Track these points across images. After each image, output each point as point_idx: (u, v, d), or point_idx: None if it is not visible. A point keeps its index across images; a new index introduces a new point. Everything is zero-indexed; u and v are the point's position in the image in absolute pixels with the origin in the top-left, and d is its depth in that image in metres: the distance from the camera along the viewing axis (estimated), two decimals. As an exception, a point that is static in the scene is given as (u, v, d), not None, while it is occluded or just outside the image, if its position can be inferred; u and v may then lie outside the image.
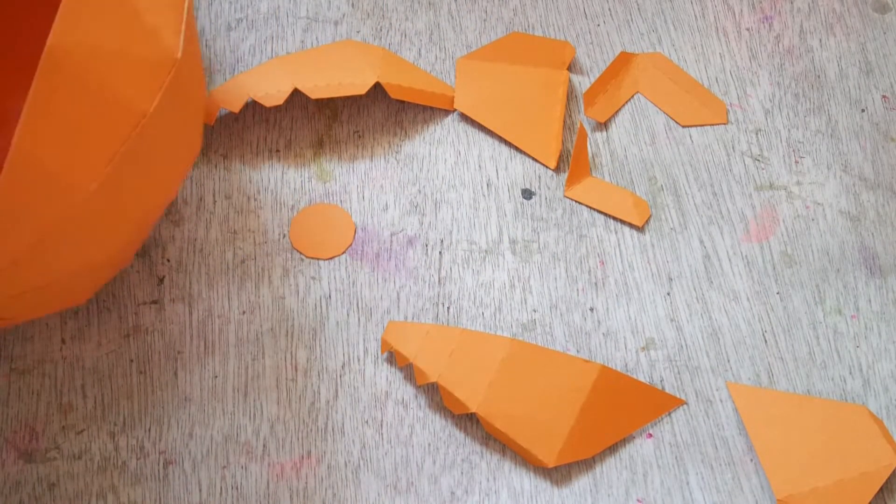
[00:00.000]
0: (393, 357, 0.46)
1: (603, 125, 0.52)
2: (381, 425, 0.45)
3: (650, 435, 0.45)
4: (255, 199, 0.49)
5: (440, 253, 0.49)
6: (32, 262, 0.34)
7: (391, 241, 0.49)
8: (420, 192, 0.50)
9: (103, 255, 0.38)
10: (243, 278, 0.47)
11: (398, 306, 0.47)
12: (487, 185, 0.51)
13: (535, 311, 0.47)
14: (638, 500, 0.43)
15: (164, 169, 0.39)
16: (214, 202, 0.49)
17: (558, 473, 0.44)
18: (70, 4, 0.32)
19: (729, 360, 0.46)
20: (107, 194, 0.35)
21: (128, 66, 0.34)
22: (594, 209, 0.50)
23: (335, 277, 0.48)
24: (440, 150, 0.51)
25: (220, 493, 0.43)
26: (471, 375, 0.44)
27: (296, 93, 0.51)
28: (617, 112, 0.53)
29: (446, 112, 0.53)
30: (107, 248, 0.38)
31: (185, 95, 0.38)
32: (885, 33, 0.56)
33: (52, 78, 0.32)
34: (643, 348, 0.47)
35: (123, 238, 0.39)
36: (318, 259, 0.48)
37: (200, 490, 0.43)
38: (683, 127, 0.52)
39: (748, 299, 0.48)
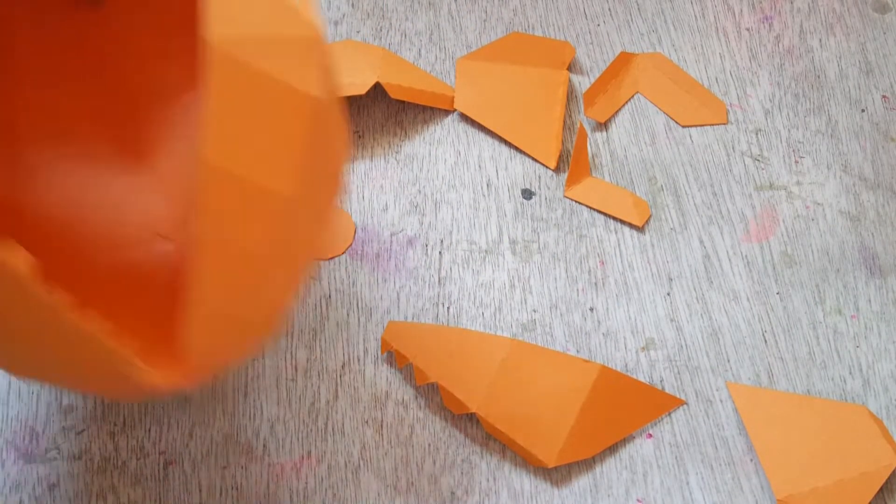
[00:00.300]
0: (393, 357, 0.46)
1: (603, 125, 0.52)
2: (381, 425, 0.45)
3: (650, 435, 0.45)
4: (255, 200, 0.49)
5: (440, 253, 0.49)
6: (246, 285, 0.31)
7: (391, 242, 0.49)
8: (420, 192, 0.50)
9: (304, 269, 0.35)
10: (243, 278, 0.47)
11: (398, 306, 0.47)
12: (487, 185, 0.51)
13: (535, 311, 0.47)
14: (638, 500, 0.43)
15: (335, 158, 0.35)
16: (214, 202, 0.49)
17: (558, 473, 0.44)
18: None
19: (729, 360, 0.46)
20: (302, 195, 0.32)
21: (286, 51, 0.31)
22: (594, 209, 0.50)
23: (335, 277, 0.48)
24: (440, 150, 0.51)
25: (220, 494, 0.43)
26: (471, 375, 0.44)
27: (296, 93, 0.51)
28: (617, 112, 0.53)
29: (446, 112, 0.53)
30: (308, 260, 0.35)
31: (332, 74, 0.34)
32: (885, 33, 0.56)
33: (223, 77, 0.28)
34: (643, 348, 0.47)
35: (319, 243, 0.35)
36: (317, 259, 0.48)
37: (200, 490, 0.43)
38: (683, 127, 0.52)
39: (748, 299, 0.48)
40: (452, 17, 0.56)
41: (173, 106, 0.44)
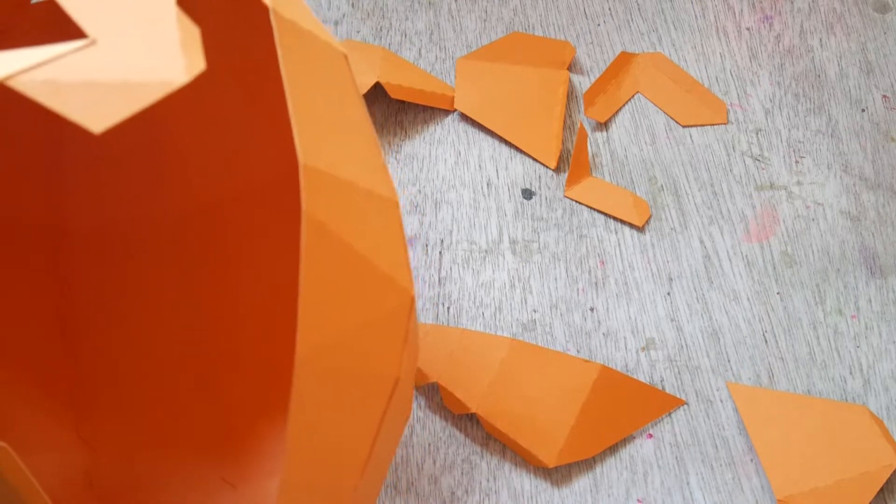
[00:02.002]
0: (393, 357, 0.46)
1: (603, 125, 0.52)
2: (381, 425, 0.45)
3: (650, 435, 0.44)
4: (255, 199, 0.49)
5: (440, 253, 0.49)
6: None
7: (391, 241, 0.49)
8: (420, 192, 0.50)
9: None
10: (243, 278, 0.47)
11: (398, 306, 0.47)
12: (487, 185, 0.51)
13: (535, 311, 0.47)
14: (638, 500, 0.43)
15: (399, 430, 0.35)
16: (214, 202, 0.49)
17: (558, 473, 0.44)
18: (310, 299, 0.27)
19: (729, 360, 0.46)
20: (367, 480, 0.32)
21: (375, 334, 0.30)
22: (594, 209, 0.50)
23: (335, 277, 0.48)
24: (440, 150, 0.51)
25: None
26: (471, 375, 0.44)
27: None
28: (617, 112, 0.53)
29: (446, 112, 0.53)
30: None
31: (415, 339, 0.33)
32: (885, 33, 0.56)
33: (307, 385, 0.28)
34: (643, 348, 0.47)
35: None
36: None
37: (200, 490, 0.43)
38: (683, 127, 0.52)
39: (748, 299, 0.48)
40: (452, 17, 0.56)
41: (272, 425, 0.43)
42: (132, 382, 0.43)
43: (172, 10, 0.26)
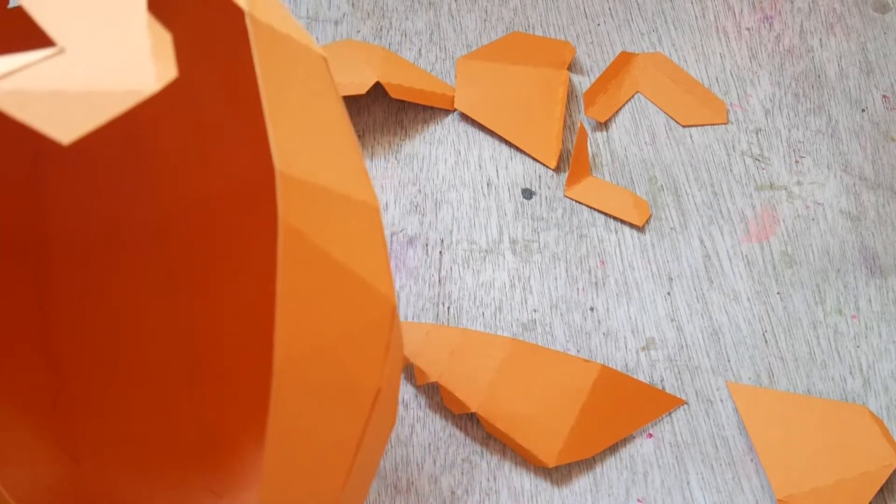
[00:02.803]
0: (393, 357, 0.46)
1: (603, 125, 0.52)
2: (381, 425, 0.45)
3: (650, 435, 0.44)
4: (255, 199, 0.49)
5: (440, 253, 0.49)
6: None
7: (391, 241, 0.49)
8: (420, 191, 0.50)
9: None
10: (243, 278, 0.47)
11: (398, 306, 0.47)
12: (487, 184, 0.51)
13: (535, 310, 0.47)
14: (638, 500, 0.43)
15: (382, 441, 0.34)
16: (214, 202, 0.49)
17: (558, 473, 0.44)
18: (287, 309, 0.27)
19: (729, 360, 0.46)
20: (350, 491, 0.31)
21: (355, 344, 0.30)
22: (594, 209, 0.50)
23: (335, 277, 0.48)
24: (440, 149, 0.51)
25: (220, 493, 0.43)
26: (471, 375, 0.44)
27: (296, 92, 0.51)
28: (617, 112, 0.53)
29: (446, 112, 0.53)
30: None
31: (398, 347, 0.32)
32: (885, 33, 0.56)
33: (286, 397, 0.27)
34: (643, 348, 0.47)
35: None
36: None
37: (200, 490, 0.43)
38: (684, 127, 0.52)
39: (748, 299, 0.48)
40: (453, 17, 0.56)
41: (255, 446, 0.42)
42: (115, 392, 0.42)
43: (143, 16, 0.26)
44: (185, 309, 0.43)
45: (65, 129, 0.24)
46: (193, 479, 0.41)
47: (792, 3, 0.57)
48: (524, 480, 0.43)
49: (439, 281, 0.48)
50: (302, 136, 0.28)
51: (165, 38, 0.26)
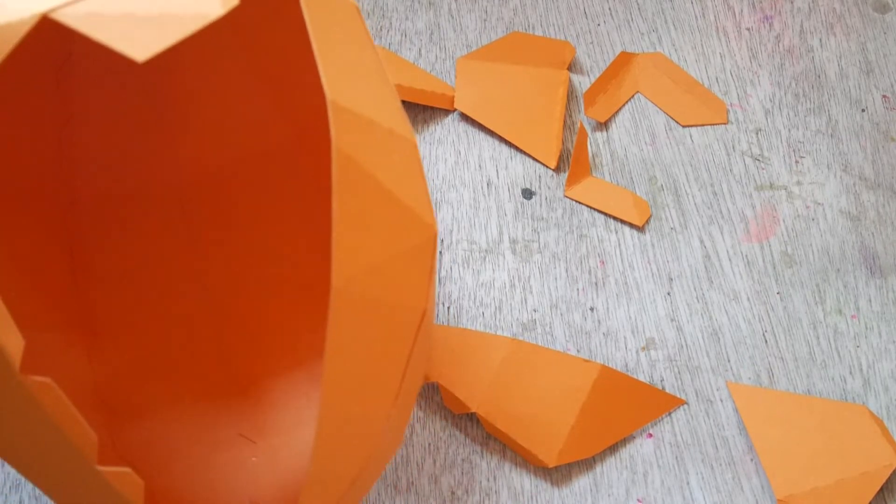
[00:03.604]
0: (393, 357, 0.46)
1: (603, 125, 0.52)
2: (381, 425, 0.45)
3: (650, 435, 0.44)
4: (255, 199, 0.49)
5: (440, 253, 0.49)
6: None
7: (391, 241, 0.49)
8: (420, 191, 0.50)
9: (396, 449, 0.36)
10: (243, 278, 0.47)
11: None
12: (487, 184, 0.51)
13: (535, 310, 0.47)
14: (638, 500, 0.43)
15: (425, 360, 0.36)
16: (214, 202, 0.49)
17: (558, 473, 0.44)
18: (343, 230, 0.28)
19: (729, 360, 0.46)
20: (399, 409, 0.33)
21: (403, 267, 0.31)
22: (594, 209, 0.50)
23: (335, 277, 0.48)
24: (440, 150, 0.51)
25: (220, 493, 0.43)
26: (471, 375, 0.44)
27: (296, 92, 0.51)
28: (617, 112, 0.53)
29: (446, 112, 0.53)
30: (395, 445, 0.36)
31: (434, 271, 0.34)
32: (885, 33, 0.56)
33: (343, 314, 0.29)
34: (643, 348, 0.47)
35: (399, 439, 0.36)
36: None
37: (200, 490, 0.43)
38: (683, 127, 0.52)
39: (748, 299, 0.48)
40: (452, 17, 0.56)
41: (288, 365, 0.43)
42: (144, 338, 0.43)
43: None
44: (211, 260, 0.45)
45: (138, 48, 0.26)
46: (224, 425, 0.42)
47: (792, 3, 0.57)
48: (524, 480, 0.43)
49: (439, 281, 0.48)
50: (347, 73, 0.30)
51: None
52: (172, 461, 0.41)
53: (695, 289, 0.48)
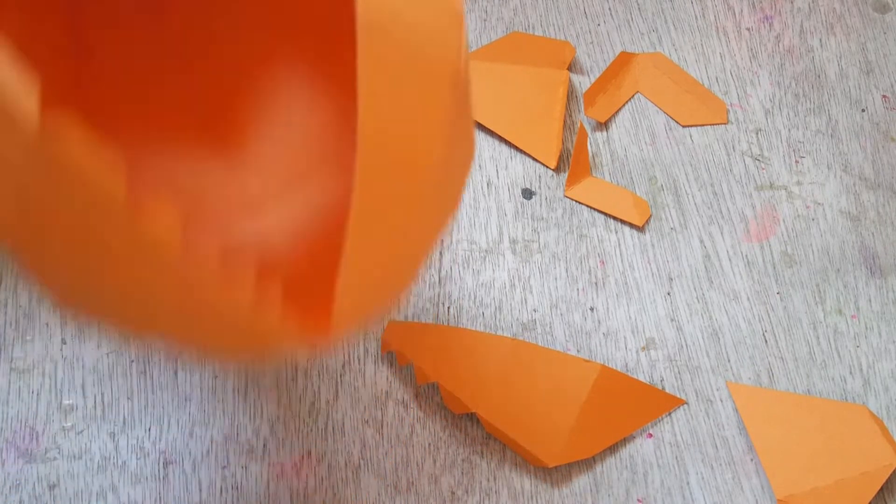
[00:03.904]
0: (393, 357, 0.46)
1: (603, 125, 0.52)
2: (382, 425, 0.45)
3: (650, 435, 0.45)
4: (256, 199, 0.49)
5: (440, 253, 0.49)
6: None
7: (391, 241, 0.49)
8: (420, 191, 0.50)
9: (443, 225, 0.35)
10: (243, 278, 0.47)
11: (398, 306, 0.47)
12: (487, 184, 0.51)
13: (535, 310, 0.47)
14: (638, 500, 0.43)
15: (470, 126, 0.35)
16: (214, 202, 0.49)
17: (558, 473, 0.44)
18: None
19: (729, 360, 0.46)
20: (446, 155, 0.32)
21: (432, 21, 0.31)
22: (594, 209, 0.50)
23: (335, 277, 0.48)
24: (440, 149, 0.51)
25: (220, 493, 0.43)
26: (471, 375, 0.44)
27: (296, 93, 0.51)
28: (617, 112, 0.53)
29: (446, 112, 0.53)
30: (448, 216, 0.35)
31: (467, 49, 0.34)
32: (885, 33, 0.56)
33: (373, 55, 0.28)
34: (643, 348, 0.47)
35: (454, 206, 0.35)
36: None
37: (200, 490, 0.43)
38: (684, 127, 0.52)
39: (748, 299, 0.48)
40: (452, 17, 0.56)
41: (263, 82, 0.42)
42: (135, 67, 0.42)
43: None
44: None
45: None
46: (204, 152, 0.41)
47: (792, 3, 0.57)
48: (524, 480, 0.43)
49: (439, 281, 0.48)
50: None
51: None
52: (161, 188, 0.40)
53: (695, 289, 0.48)
